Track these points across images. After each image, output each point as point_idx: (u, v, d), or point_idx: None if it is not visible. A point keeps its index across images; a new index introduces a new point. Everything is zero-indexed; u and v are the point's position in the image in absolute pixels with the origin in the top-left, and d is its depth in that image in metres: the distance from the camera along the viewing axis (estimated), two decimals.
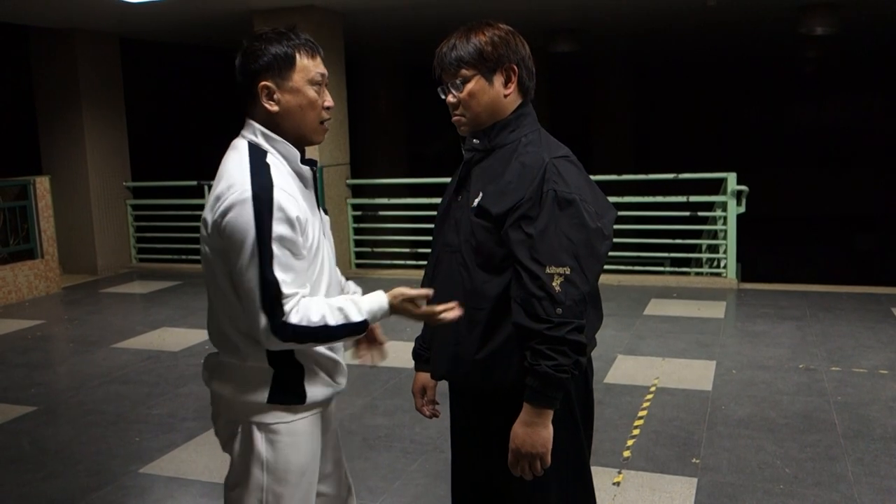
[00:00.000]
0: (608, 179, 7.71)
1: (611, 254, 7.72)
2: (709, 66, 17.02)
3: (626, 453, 3.70)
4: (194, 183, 9.06)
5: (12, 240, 7.82)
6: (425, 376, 2.18)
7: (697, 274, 7.95)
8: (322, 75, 1.87)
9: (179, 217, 9.25)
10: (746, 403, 4.31)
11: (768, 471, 3.48)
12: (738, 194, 7.22)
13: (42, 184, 8.06)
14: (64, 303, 7.73)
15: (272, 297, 1.72)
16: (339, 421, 4.17)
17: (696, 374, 4.80)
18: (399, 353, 5.43)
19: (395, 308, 1.85)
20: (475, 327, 1.88)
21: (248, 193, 1.72)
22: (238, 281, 1.75)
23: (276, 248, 1.72)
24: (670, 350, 5.33)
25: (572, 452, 1.95)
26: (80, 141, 8.93)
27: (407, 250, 8.99)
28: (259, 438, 1.86)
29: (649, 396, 4.45)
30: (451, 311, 1.83)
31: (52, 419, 4.49)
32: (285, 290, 1.73)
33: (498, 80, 1.90)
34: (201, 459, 3.82)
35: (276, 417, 1.86)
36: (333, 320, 1.77)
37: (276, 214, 1.72)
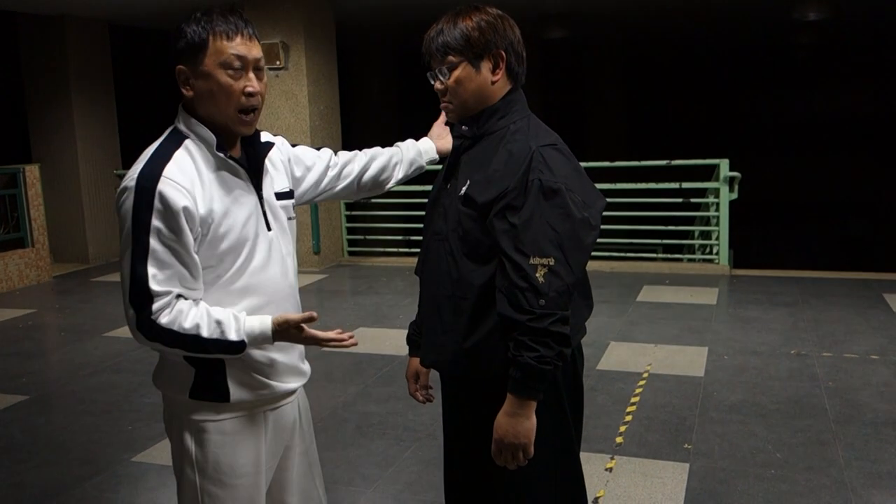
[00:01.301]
0: (600, 166, 7.71)
1: (603, 240, 7.70)
2: (702, 52, 16.99)
3: (619, 439, 3.72)
4: None
5: (2, 229, 7.77)
6: (418, 361, 2.18)
7: (690, 260, 7.96)
8: (240, 57, 1.72)
9: None
10: (738, 389, 4.32)
11: (760, 456, 3.50)
12: (731, 181, 7.22)
13: (32, 172, 8.01)
14: (55, 292, 7.70)
15: (140, 291, 1.65)
16: (328, 414, 4.16)
17: (689, 361, 4.82)
18: (392, 340, 5.45)
19: (279, 335, 1.75)
20: (461, 316, 1.87)
21: (133, 182, 1.67)
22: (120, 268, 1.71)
23: (152, 242, 1.65)
24: (663, 336, 5.34)
25: (560, 441, 1.95)
26: (70, 129, 8.87)
27: (400, 238, 8.98)
28: (187, 436, 1.81)
29: (642, 382, 4.46)
30: (343, 341, 1.76)
31: (44, 408, 4.48)
32: (154, 286, 1.65)
33: (485, 66, 1.87)
34: None
35: (202, 415, 1.80)
36: (207, 332, 1.69)
37: (157, 206, 1.65)
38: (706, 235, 7.85)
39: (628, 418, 3.96)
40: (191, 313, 1.69)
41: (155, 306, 1.66)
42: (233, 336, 1.71)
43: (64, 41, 8.71)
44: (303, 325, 1.74)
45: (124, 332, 5.97)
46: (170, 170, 1.68)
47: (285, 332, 1.74)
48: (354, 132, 12.45)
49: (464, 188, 1.86)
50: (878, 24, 12.46)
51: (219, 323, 1.70)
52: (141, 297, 1.66)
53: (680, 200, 7.66)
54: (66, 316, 6.74)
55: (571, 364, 1.95)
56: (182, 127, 1.77)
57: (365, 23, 10.51)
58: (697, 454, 3.53)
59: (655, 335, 5.38)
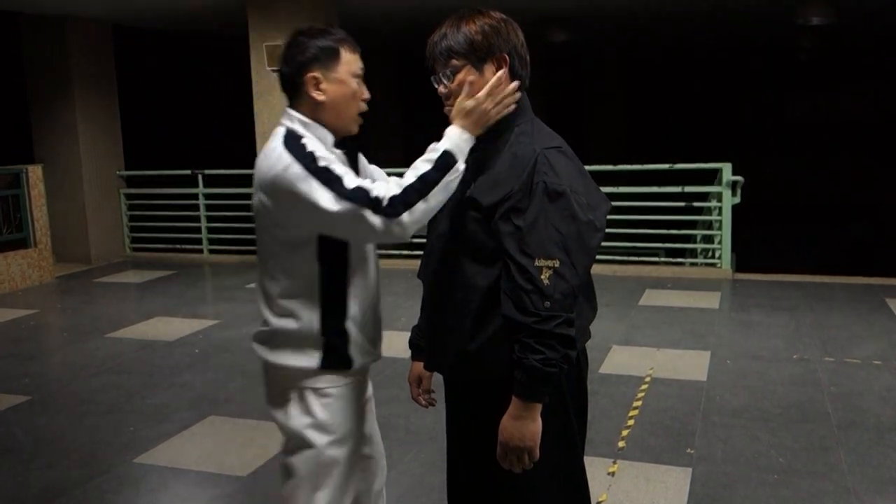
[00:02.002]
0: (603, 169, 7.70)
1: (606, 244, 7.65)
2: (704, 55, 16.99)
3: (621, 443, 3.71)
4: (188, 172, 9.03)
5: (5, 229, 7.78)
6: (421, 366, 2.17)
7: (692, 264, 7.95)
8: (362, 69, 2.01)
9: (174, 206, 9.21)
10: (741, 394, 4.31)
11: (762, 460, 3.49)
12: (734, 184, 7.22)
13: (35, 172, 8.02)
14: (57, 292, 7.71)
15: (361, 199, 1.80)
16: None
17: (691, 365, 4.81)
18: (393, 342, 5.42)
19: (464, 117, 1.84)
20: (465, 319, 1.86)
21: (288, 160, 1.84)
22: (329, 222, 1.83)
23: (335, 171, 1.83)
24: (665, 340, 5.33)
25: (564, 445, 1.94)
26: (73, 129, 8.88)
27: None
28: (315, 402, 1.98)
29: (644, 387, 4.46)
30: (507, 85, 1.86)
31: (46, 409, 4.47)
32: (365, 185, 1.81)
33: (489, 70, 1.87)
34: (195, 449, 3.81)
35: (328, 382, 1.98)
36: (424, 168, 1.82)
37: (320, 153, 1.86)
38: (708, 239, 7.84)
39: (631, 422, 3.96)
40: (401, 178, 1.85)
41: (380, 194, 1.80)
42: (438, 154, 1.83)
43: (66, 42, 8.71)
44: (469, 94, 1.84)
45: (126, 333, 5.97)
46: (311, 148, 1.88)
47: (466, 114, 1.84)
48: (359, 133, 12.45)
49: (468, 191, 1.86)
50: (879, 28, 12.46)
51: (423, 160, 1.85)
52: (366, 201, 1.80)
53: (682, 204, 7.65)
54: (68, 316, 6.74)
55: (576, 368, 1.94)
56: (297, 128, 1.95)
57: (367, 23, 10.51)
58: (700, 459, 3.53)
59: (658, 339, 5.37)
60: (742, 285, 6.96)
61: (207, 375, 4.90)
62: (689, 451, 3.61)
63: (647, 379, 4.58)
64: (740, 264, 7.58)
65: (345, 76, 1.95)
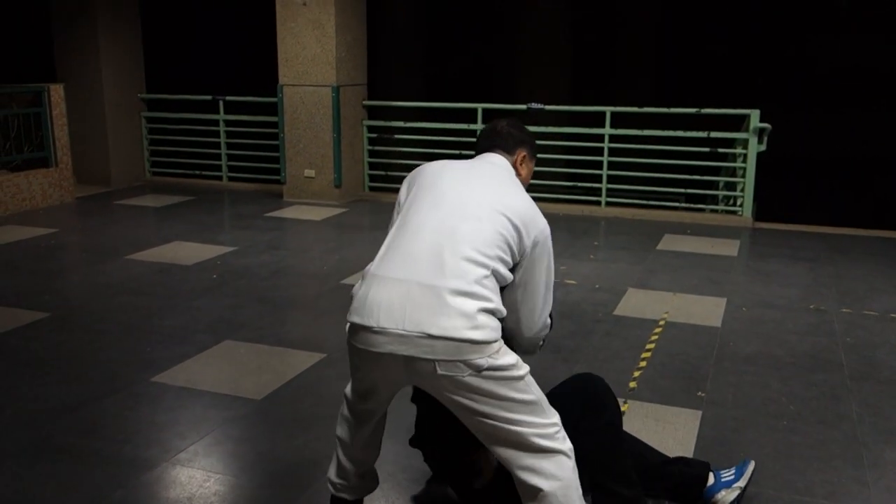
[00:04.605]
0: (628, 111, 7.58)
1: (625, 187, 7.58)
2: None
3: (633, 384, 3.73)
4: (209, 97, 8.96)
5: (26, 147, 7.79)
6: None
7: (712, 211, 7.87)
8: None
9: (195, 132, 9.19)
10: (754, 341, 4.31)
11: (772, 407, 3.50)
12: (760, 132, 7.09)
13: (56, 91, 7.99)
14: (77, 213, 7.76)
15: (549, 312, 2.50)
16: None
17: (706, 310, 4.80)
18: None
19: None
20: None
21: (547, 230, 2.37)
22: (532, 296, 2.34)
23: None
24: (681, 285, 5.31)
25: None
26: (95, 50, 8.80)
27: None
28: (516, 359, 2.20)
29: (658, 330, 4.46)
30: None
31: (65, 326, 4.54)
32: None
33: None
34: (211, 371, 3.87)
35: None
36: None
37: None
38: (731, 186, 7.74)
39: (643, 364, 3.97)
40: None
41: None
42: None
43: None
44: None
45: (145, 255, 6.02)
46: None
47: None
48: (381, 65, 12.29)
49: None
50: None
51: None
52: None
53: (707, 150, 7.53)
54: (88, 237, 6.80)
55: None
56: None
57: None
58: (710, 402, 3.54)
59: (674, 284, 5.35)
60: (762, 234, 6.90)
61: (224, 300, 4.95)
62: (699, 394, 3.63)
63: (662, 322, 4.58)
64: (764, 218, 7.48)
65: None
